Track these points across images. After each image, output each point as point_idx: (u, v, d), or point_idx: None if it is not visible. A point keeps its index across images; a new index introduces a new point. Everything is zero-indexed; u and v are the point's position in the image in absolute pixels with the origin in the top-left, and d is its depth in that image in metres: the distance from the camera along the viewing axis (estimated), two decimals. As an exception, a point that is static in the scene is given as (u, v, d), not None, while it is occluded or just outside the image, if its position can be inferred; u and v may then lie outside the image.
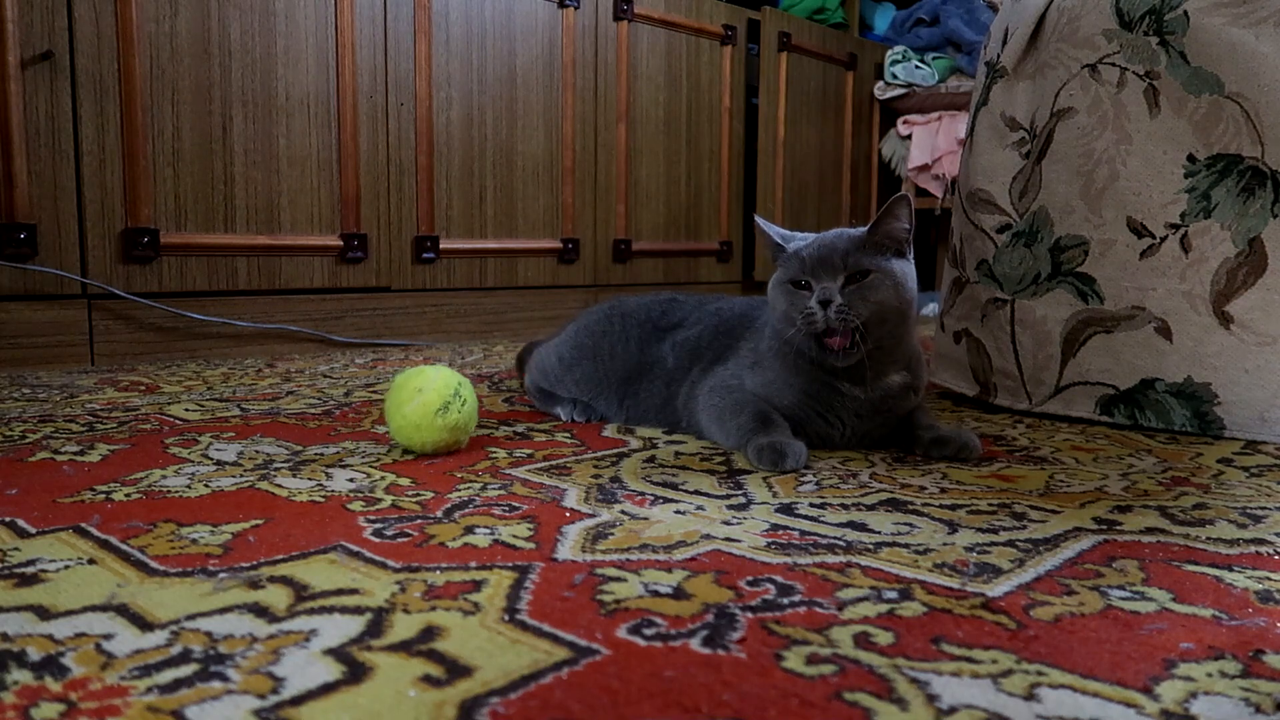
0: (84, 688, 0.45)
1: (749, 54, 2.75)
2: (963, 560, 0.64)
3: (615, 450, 0.98)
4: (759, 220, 1.04)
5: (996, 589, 0.59)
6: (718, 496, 0.80)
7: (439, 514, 0.74)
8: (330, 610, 0.54)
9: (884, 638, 0.51)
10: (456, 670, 0.47)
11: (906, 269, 0.94)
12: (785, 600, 0.56)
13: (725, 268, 2.71)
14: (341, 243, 1.86)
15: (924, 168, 2.96)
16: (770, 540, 0.68)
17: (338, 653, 0.49)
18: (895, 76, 3.00)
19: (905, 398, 0.98)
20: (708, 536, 0.69)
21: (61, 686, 0.45)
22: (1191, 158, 1.08)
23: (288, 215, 1.79)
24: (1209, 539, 0.70)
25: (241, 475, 0.86)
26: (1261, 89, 1.03)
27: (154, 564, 0.62)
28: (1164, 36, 1.09)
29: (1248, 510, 0.78)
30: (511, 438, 1.05)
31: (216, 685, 0.45)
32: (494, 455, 0.96)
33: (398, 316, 1.98)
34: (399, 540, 0.67)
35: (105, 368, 1.57)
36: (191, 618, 0.53)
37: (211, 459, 0.92)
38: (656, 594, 0.57)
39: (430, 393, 0.92)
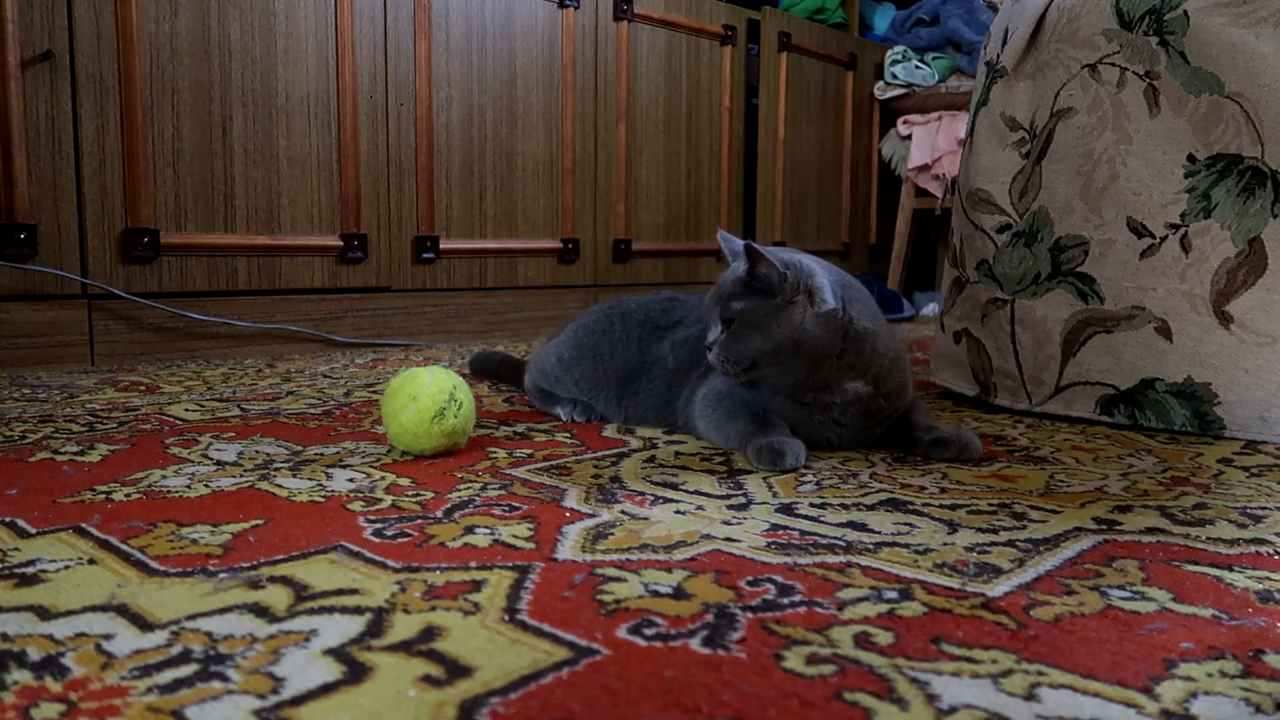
0: (84, 688, 0.45)
1: (749, 54, 2.75)
2: (963, 560, 0.64)
3: (615, 450, 0.98)
4: (722, 235, 1.05)
5: (996, 589, 0.59)
6: (718, 496, 0.80)
7: (439, 514, 0.74)
8: (330, 610, 0.54)
9: (884, 638, 0.51)
10: (456, 670, 0.47)
11: (776, 313, 0.92)
12: (785, 600, 0.56)
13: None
14: (341, 243, 1.86)
15: (924, 168, 2.96)
16: (770, 540, 0.68)
17: (338, 653, 0.49)
18: (895, 76, 3.00)
19: (876, 403, 0.97)
20: (708, 536, 0.69)
21: (61, 686, 0.45)
22: (1191, 158, 1.08)
23: (288, 215, 1.79)
24: (1209, 539, 0.70)
25: (241, 475, 0.86)
26: (1261, 89, 1.03)
27: (154, 564, 0.62)
28: (1164, 36, 1.09)
29: (1248, 510, 0.78)
30: (511, 438, 1.05)
31: (216, 685, 0.45)
32: (494, 455, 0.96)
33: (398, 316, 1.98)
34: (399, 540, 0.67)
35: (105, 368, 1.57)
36: (191, 618, 0.53)
37: (211, 459, 0.92)
38: (656, 594, 0.57)
39: (425, 400, 0.92)
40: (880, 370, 0.96)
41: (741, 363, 0.93)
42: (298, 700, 0.44)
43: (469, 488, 0.82)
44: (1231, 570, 0.63)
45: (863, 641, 0.51)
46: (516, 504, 0.77)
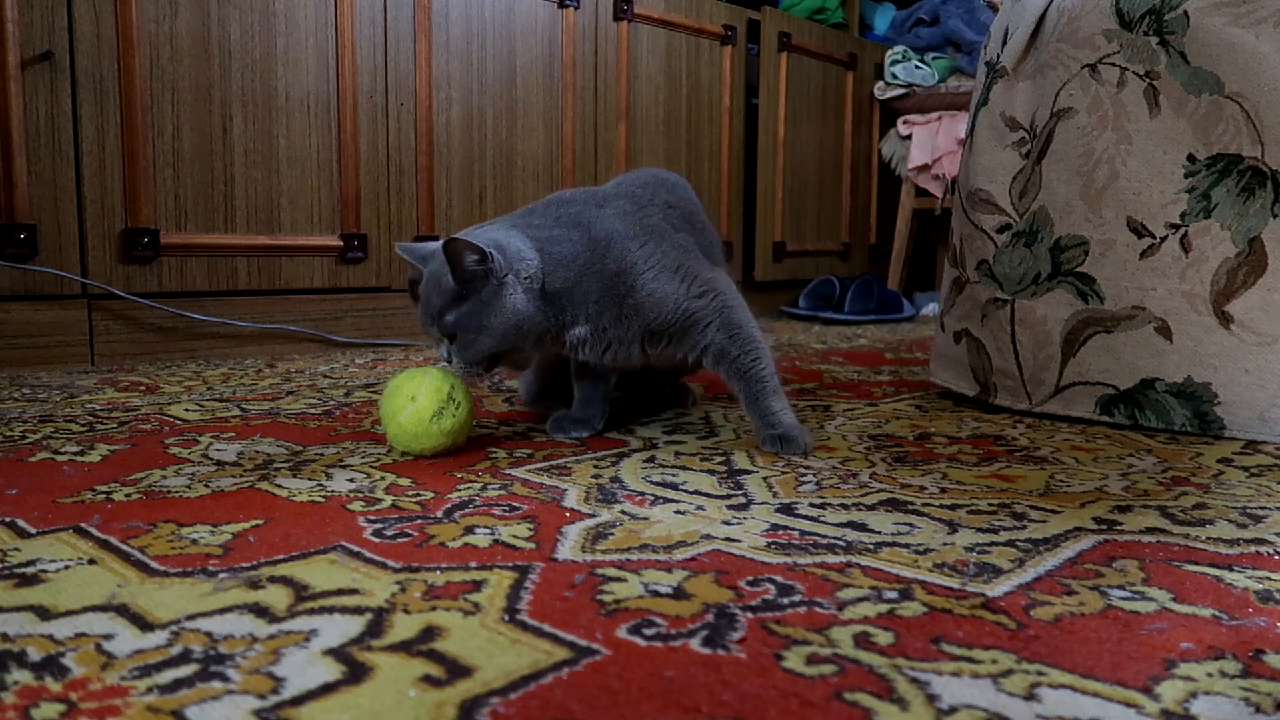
0: (84, 688, 0.45)
1: (749, 54, 2.75)
2: (963, 560, 0.64)
3: (615, 450, 0.98)
4: (401, 248, 0.98)
5: (996, 589, 0.59)
6: (718, 496, 0.80)
7: (439, 514, 0.74)
8: (330, 610, 0.54)
9: (884, 638, 0.51)
10: (456, 670, 0.47)
11: (498, 302, 0.89)
12: (785, 600, 0.56)
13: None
14: (341, 243, 1.86)
15: (924, 168, 2.96)
16: (770, 540, 0.68)
17: (338, 653, 0.49)
18: (895, 76, 3.00)
19: (612, 335, 0.97)
20: (708, 536, 0.69)
21: (62, 687, 0.45)
22: (1191, 157, 1.08)
23: (288, 215, 1.79)
24: (1209, 539, 0.70)
25: (241, 475, 0.86)
26: (1261, 89, 1.03)
27: (154, 564, 0.62)
28: (1164, 36, 1.09)
29: (1248, 510, 0.78)
30: (511, 438, 1.05)
31: (217, 685, 0.45)
32: (494, 455, 0.96)
33: (398, 316, 1.98)
34: (399, 540, 0.67)
35: (105, 368, 1.57)
36: (191, 618, 0.53)
37: (211, 459, 0.92)
38: (656, 594, 0.57)
39: (423, 400, 0.92)
40: (589, 311, 0.94)
41: (484, 363, 0.92)
42: (298, 700, 0.44)
43: (469, 488, 0.82)
44: (1231, 570, 0.63)
45: (863, 641, 0.51)
46: (516, 504, 0.77)
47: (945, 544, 0.67)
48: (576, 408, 1.08)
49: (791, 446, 0.96)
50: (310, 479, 0.85)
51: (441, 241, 0.87)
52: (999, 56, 1.29)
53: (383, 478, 0.86)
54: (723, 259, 1.15)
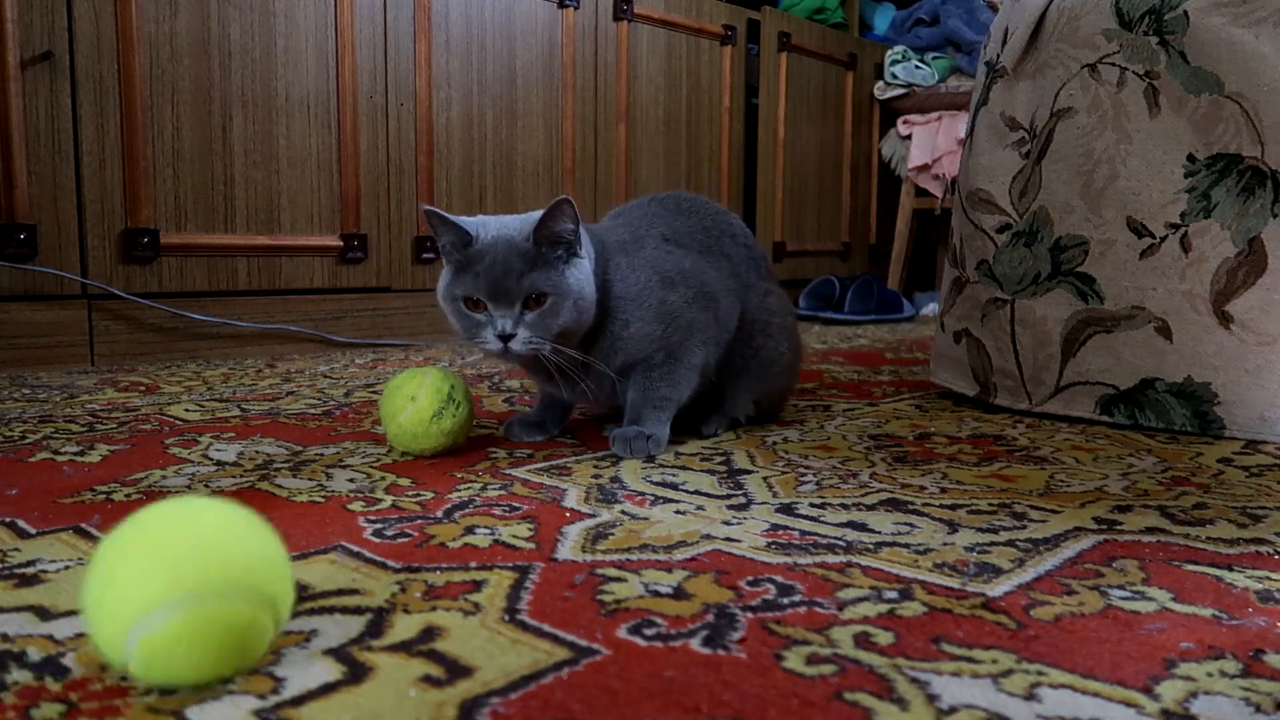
0: (84, 688, 0.45)
1: (749, 54, 2.75)
2: (963, 560, 0.64)
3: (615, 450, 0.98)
4: (430, 211, 0.87)
5: (996, 589, 0.59)
6: (718, 496, 0.80)
7: (439, 514, 0.74)
8: (330, 610, 0.54)
9: (884, 638, 0.51)
10: (457, 670, 0.47)
11: (579, 274, 0.88)
12: (785, 600, 0.56)
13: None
14: (341, 243, 1.86)
15: (924, 168, 2.96)
16: (770, 540, 0.68)
17: (338, 653, 0.49)
18: (895, 76, 3.00)
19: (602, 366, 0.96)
20: (708, 536, 0.69)
21: (62, 687, 0.45)
22: (1191, 157, 1.08)
23: (288, 215, 1.79)
24: (1209, 539, 0.70)
25: (241, 475, 0.86)
26: (1261, 89, 1.03)
27: (154, 564, 0.62)
28: (1164, 36, 1.09)
29: (1248, 510, 0.78)
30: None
31: (216, 685, 0.45)
32: (494, 455, 0.96)
33: (398, 317, 1.98)
34: (399, 540, 0.67)
35: (105, 368, 1.57)
36: (192, 618, 0.53)
37: (212, 459, 0.92)
38: (657, 594, 0.57)
39: (423, 400, 0.92)
40: (589, 332, 0.93)
41: (547, 341, 0.87)
42: (298, 700, 0.44)
43: (469, 488, 0.82)
44: (1231, 570, 0.63)
45: (863, 641, 0.51)
46: (516, 504, 0.77)
47: (945, 544, 0.67)
48: (534, 412, 1.07)
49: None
50: (310, 479, 0.85)
51: (559, 198, 0.85)
52: (999, 56, 1.29)
53: (383, 478, 0.86)
54: (762, 275, 1.13)
